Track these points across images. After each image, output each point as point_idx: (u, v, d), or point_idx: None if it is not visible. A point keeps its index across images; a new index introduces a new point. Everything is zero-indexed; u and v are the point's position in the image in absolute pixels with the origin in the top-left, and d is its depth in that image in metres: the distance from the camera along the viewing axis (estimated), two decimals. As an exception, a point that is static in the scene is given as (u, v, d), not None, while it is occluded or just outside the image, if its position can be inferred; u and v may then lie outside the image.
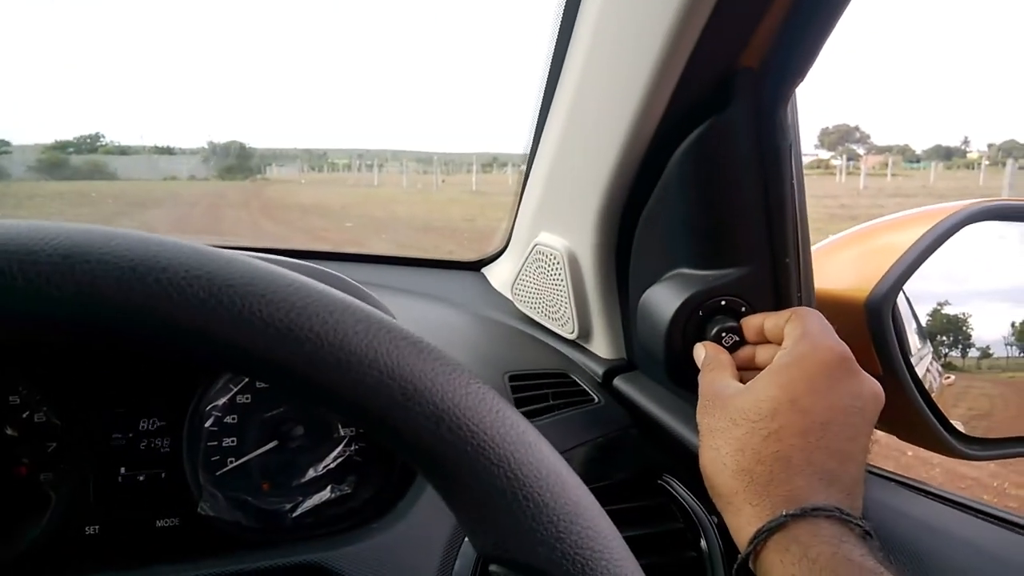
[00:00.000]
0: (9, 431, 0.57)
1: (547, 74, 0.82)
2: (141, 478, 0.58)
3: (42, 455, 0.57)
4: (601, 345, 0.83)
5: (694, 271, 0.65)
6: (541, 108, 0.86)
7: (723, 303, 0.63)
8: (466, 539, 0.56)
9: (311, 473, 0.62)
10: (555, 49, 0.79)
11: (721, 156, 0.62)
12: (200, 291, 0.28)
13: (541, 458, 0.31)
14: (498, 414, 0.31)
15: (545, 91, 0.84)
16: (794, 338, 0.55)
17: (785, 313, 0.58)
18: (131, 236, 0.29)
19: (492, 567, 0.31)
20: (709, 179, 0.63)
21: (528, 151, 0.94)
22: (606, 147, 0.69)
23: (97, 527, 0.57)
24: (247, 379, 0.62)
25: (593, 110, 0.73)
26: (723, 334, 0.62)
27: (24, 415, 0.57)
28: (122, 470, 0.58)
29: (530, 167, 0.93)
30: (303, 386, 0.30)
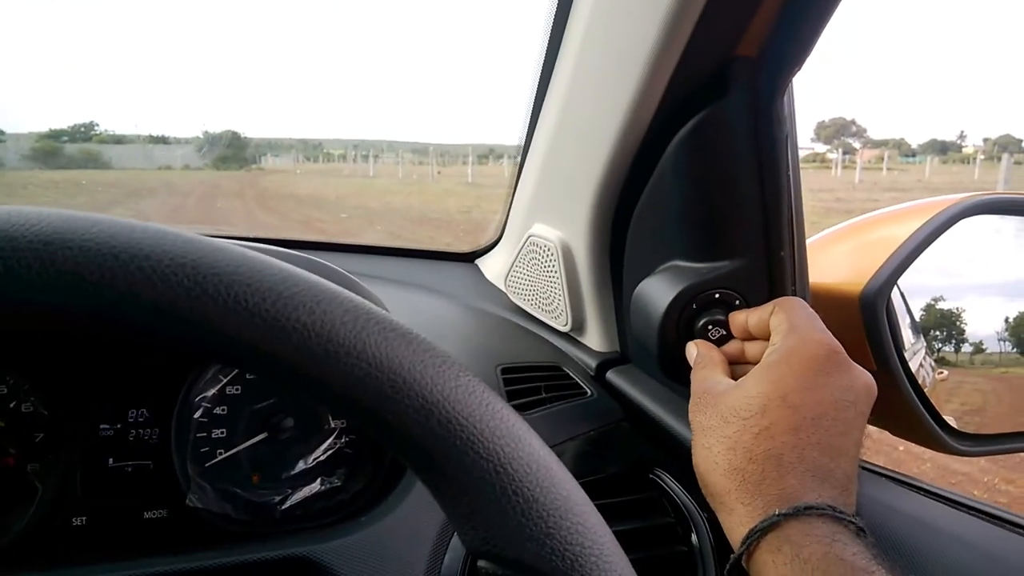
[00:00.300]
0: (-5, 421, 0.57)
1: (542, 63, 0.82)
2: (129, 469, 0.58)
3: (29, 445, 0.57)
4: (594, 338, 0.83)
5: (688, 263, 0.65)
6: (535, 98, 0.85)
7: (717, 296, 0.63)
8: (456, 533, 0.55)
9: (301, 465, 0.62)
10: (550, 38, 0.78)
11: (717, 146, 0.61)
12: (184, 279, 0.27)
13: (531, 452, 0.30)
14: (488, 407, 0.30)
15: (539, 81, 0.83)
16: (782, 333, 0.54)
17: (768, 306, 0.58)
18: (114, 223, 0.28)
19: (481, 563, 0.31)
20: (704, 170, 0.63)
21: (522, 142, 0.93)
22: (601, 137, 0.69)
23: (84, 518, 0.56)
24: (237, 370, 0.61)
25: (588, 100, 0.72)
26: (709, 327, 0.61)
27: (11, 405, 0.57)
28: (110, 461, 0.58)
29: (524, 158, 0.93)
30: (290, 377, 0.29)
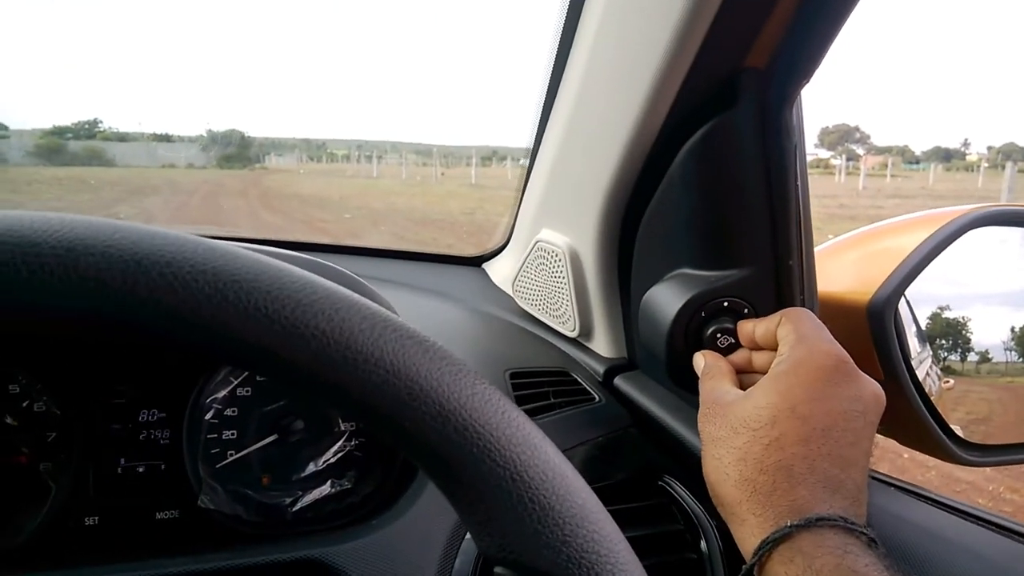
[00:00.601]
0: (9, 420, 0.57)
1: (551, 69, 0.82)
2: (141, 469, 0.58)
3: (42, 445, 0.57)
4: (602, 344, 0.83)
5: (697, 271, 0.65)
6: (544, 104, 0.86)
7: (725, 304, 0.63)
8: (466, 537, 0.56)
9: (311, 467, 0.62)
10: (559, 44, 0.78)
11: (726, 156, 0.62)
12: (205, 286, 0.28)
13: (547, 460, 0.31)
14: (504, 415, 0.31)
15: (548, 86, 0.83)
16: (790, 343, 0.54)
17: (775, 317, 0.58)
18: (136, 229, 0.28)
19: (498, 569, 0.31)
20: (713, 179, 0.63)
21: (530, 147, 0.93)
22: (610, 144, 0.69)
23: (97, 518, 0.57)
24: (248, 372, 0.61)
25: (597, 107, 0.72)
26: (718, 335, 0.61)
27: (24, 404, 0.57)
28: (122, 461, 0.58)
29: (532, 163, 0.93)
30: (308, 383, 0.29)
